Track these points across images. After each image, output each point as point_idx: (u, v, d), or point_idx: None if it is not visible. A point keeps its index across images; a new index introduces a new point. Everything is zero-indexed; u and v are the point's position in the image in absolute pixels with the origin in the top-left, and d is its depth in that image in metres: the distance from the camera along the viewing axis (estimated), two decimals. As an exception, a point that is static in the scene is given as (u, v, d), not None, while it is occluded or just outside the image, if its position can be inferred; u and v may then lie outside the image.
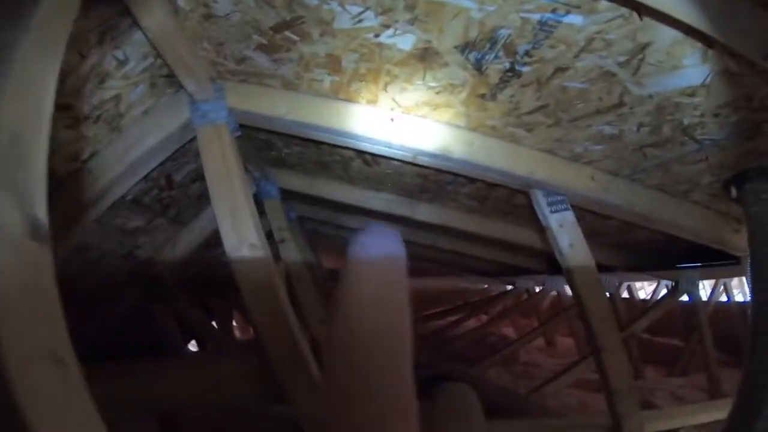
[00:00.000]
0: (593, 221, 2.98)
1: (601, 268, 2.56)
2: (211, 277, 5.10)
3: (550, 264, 4.92)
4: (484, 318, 8.88)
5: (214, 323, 5.75)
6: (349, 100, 2.03)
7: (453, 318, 8.48)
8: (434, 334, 7.57)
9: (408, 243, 3.92)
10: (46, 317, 0.73)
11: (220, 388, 2.78)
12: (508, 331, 8.26)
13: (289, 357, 2.01)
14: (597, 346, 2.47)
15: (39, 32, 0.88)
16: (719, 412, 2.82)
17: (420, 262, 6.78)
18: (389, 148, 2.21)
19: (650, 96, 1.70)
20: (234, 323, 7.44)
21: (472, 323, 8.08)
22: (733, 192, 1.84)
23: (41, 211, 0.78)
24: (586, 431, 2.83)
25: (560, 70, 1.61)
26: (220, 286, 5.36)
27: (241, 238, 1.93)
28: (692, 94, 1.66)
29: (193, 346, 5.36)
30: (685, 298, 4.77)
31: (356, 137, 2.14)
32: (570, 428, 2.95)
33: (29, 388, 0.66)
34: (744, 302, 6.99)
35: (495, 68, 1.65)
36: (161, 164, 2.38)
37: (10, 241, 0.71)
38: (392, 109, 2.05)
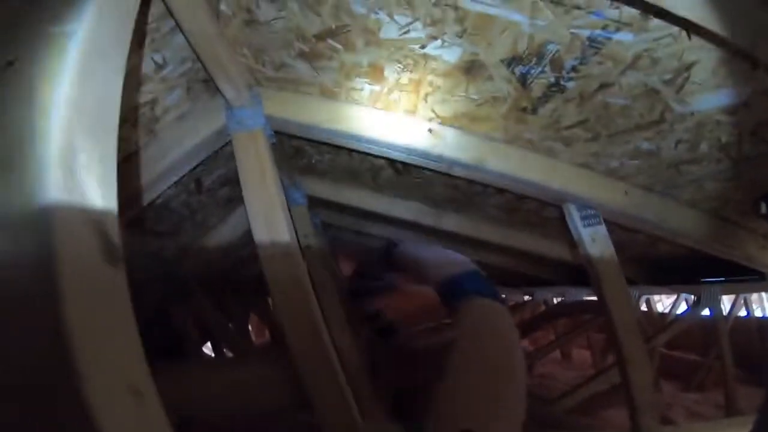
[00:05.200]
0: (620, 235, 2.97)
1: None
2: (230, 279, 5.12)
3: (569, 276, 4.90)
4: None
5: (230, 325, 5.77)
6: (388, 109, 2.03)
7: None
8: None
9: (433, 253, 3.86)
10: (123, 346, 0.71)
11: (239, 393, 2.78)
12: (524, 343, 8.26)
13: (317, 363, 2.00)
14: (623, 358, 2.45)
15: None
16: (737, 428, 2.76)
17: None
18: (425, 158, 2.19)
19: (691, 114, 1.70)
20: (250, 326, 7.46)
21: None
22: (763, 208, 1.84)
23: (114, 230, 0.75)
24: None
25: (604, 86, 1.61)
26: (238, 288, 5.38)
27: (275, 242, 1.93)
28: (733, 113, 1.66)
29: (208, 348, 5.39)
30: (706, 312, 4.75)
31: (393, 147, 2.13)
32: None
33: (109, 422, 0.64)
34: (763, 318, 6.95)
35: (539, 82, 1.65)
36: (192, 169, 2.38)
37: (85, 264, 0.69)
38: (430, 120, 2.05)
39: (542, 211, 3.00)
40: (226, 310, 5.64)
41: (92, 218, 0.71)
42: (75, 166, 0.70)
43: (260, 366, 2.85)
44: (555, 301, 7.52)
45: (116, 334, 0.70)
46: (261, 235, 1.93)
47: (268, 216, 1.94)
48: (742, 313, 7.06)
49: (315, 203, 3.56)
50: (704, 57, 1.43)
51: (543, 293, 7.16)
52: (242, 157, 1.99)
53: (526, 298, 7.74)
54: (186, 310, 4.17)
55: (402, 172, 2.80)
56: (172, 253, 3.39)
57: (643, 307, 7.87)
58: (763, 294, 6.32)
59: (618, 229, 2.74)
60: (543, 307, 7.80)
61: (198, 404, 2.67)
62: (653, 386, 2.79)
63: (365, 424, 2.21)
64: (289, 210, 3.20)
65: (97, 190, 0.73)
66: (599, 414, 4.76)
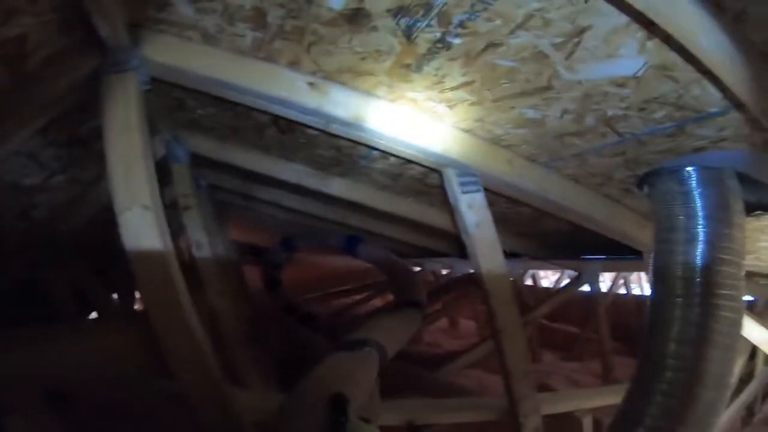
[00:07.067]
0: (505, 207, 3.00)
1: (508, 254, 2.57)
2: (113, 244, 4.92)
3: (458, 248, 4.97)
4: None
5: (115, 294, 5.56)
6: (270, 60, 1.92)
7: (358, 297, 8.51)
8: (339, 312, 7.62)
9: (318, 219, 3.89)
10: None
11: (104, 358, 2.67)
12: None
13: (175, 327, 1.90)
14: (497, 328, 2.50)
15: None
16: (613, 396, 2.86)
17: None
18: (303, 113, 2.13)
19: (579, 82, 1.67)
20: (137, 294, 7.23)
21: (378, 302, 8.13)
22: (645, 189, 1.87)
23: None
24: (483, 412, 2.86)
25: (492, 45, 1.56)
26: (122, 255, 5.19)
27: (133, 197, 1.82)
28: (622, 85, 1.63)
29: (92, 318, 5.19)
30: (586, 288, 4.94)
31: (273, 99, 2.04)
32: (467, 409, 2.98)
33: None
34: (640, 296, 7.33)
35: (425, 37, 1.58)
36: (63, 117, 2.20)
37: None
38: (313, 73, 1.97)
39: (426, 179, 2.99)
40: (110, 278, 5.42)
41: None
42: None
43: (125, 331, 2.75)
44: (443, 272, 7.63)
45: None
46: (119, 189, 1.81)
47: (129, 169, 1.81)
48: (622, 291, 7.49)
49: (200, 163, 3.43)
50: (599, 22, 1.38)
51: (432, 264, 7.26)
52: (109, 101, 1.85)
53: (416, 269, 7.82)
54: (62, 277, 3.97)
55: (286, 131, 2.71)
56: (44, 212, 3.17)
57: (529, 281, 8.13)
58: (642, 274, 6.64)
59: (502, 201, 2.76)
60: (431, 278, 7.90)
61: (60, 370, 2.54)
62: (530, 355, 2.85)
63: (235, 390, 2.14)
64: (170, 168, 3.07)
65: None
66: (482, 379, 4.89)
